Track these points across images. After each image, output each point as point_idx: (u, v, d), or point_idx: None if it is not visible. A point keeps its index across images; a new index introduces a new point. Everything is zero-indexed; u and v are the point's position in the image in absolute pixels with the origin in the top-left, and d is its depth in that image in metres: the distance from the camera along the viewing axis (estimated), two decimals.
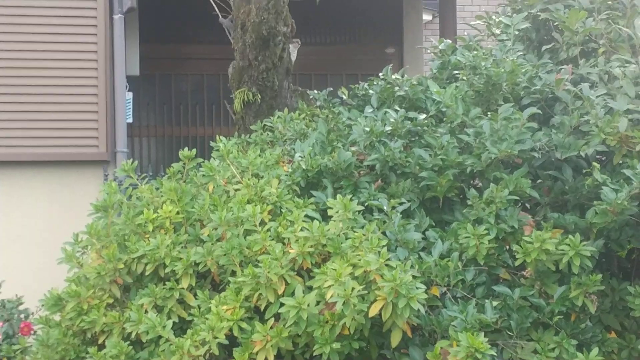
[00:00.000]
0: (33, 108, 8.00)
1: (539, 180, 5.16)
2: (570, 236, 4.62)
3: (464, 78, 5.45)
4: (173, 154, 9.72)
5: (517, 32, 5.68)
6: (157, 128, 10.92)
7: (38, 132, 8.01)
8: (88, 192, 7.82)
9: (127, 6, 8.18)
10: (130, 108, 8.49)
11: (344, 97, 6.05)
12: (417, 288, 4.28)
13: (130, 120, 8.52)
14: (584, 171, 4.94)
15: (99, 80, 8.06)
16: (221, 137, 5.66)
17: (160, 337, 4.67)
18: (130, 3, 8.16)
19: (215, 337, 4.48)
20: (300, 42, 7.52)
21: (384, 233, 4.74)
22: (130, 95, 8.50)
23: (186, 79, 11.02)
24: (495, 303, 4.61)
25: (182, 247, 4.97)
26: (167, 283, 4.87)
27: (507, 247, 4.87)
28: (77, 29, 8.09)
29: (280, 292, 4.50)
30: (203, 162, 5.52)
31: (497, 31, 5.84)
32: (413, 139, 5.27)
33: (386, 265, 4.37)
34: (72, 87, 8.06)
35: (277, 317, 4.50)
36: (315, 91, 6.43)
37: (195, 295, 4.82)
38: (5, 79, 7.97)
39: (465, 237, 4.73)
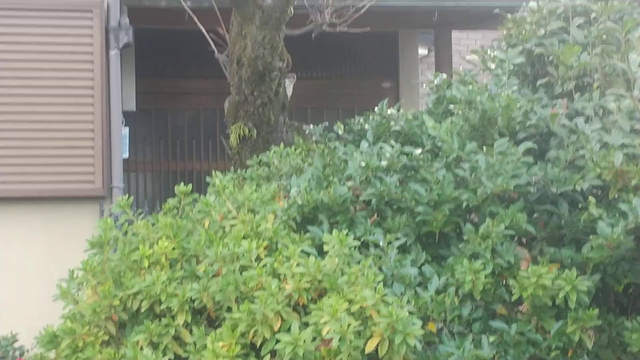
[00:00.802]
0: (29, 144, 7.96)
1: (535, 215, 5.15)
2: (566, 271, 4.61)
3: (460, 112, 5.46)
4: (169, 189, 9.70)
5: (512, 67, 5.69)
6: (153, 163, 10.92)
7: (34, 168, 7.97)
8: (84, 228, 7.75)
9: (124, 42, 8.19)
10: (126, 143, 8.48)
11: (340, 131, 6.06)
12: (413, 324, 4.28)
13: (126, 155, 8.50)
14: (580, 206, 4.94)
15: (95, 116, 8.04)
16: (217, 172, 5.66)
17: None
18: (127, 38, 8.18)
19: None
20: (296, 77, 7.53)
21: (380, 268, 4.74)
22: (126, 130, 8.49)
23: (182, 113, 11.04)
24: (492, 338, 4.59)
25: (177, 283, 4.94)
26: (162, 319, 4.84)
27: (504, 282, 4.86)
28: (73, 65, 8.08)
29: (276, 328, 4.48)
30: (199, 197, 5.51)
31: (492, 65, 5.85)
32: (409, 174, 5.27)
33: (382, 300, 4.37)
34: (68, 123, 8.03)
35: (273, 353, 4.47)
36: (311, 126, 6.43)
37: (191, 331, 4.80)
38: (1, 115, 7.96)
39: (462, 272, 4.72)
